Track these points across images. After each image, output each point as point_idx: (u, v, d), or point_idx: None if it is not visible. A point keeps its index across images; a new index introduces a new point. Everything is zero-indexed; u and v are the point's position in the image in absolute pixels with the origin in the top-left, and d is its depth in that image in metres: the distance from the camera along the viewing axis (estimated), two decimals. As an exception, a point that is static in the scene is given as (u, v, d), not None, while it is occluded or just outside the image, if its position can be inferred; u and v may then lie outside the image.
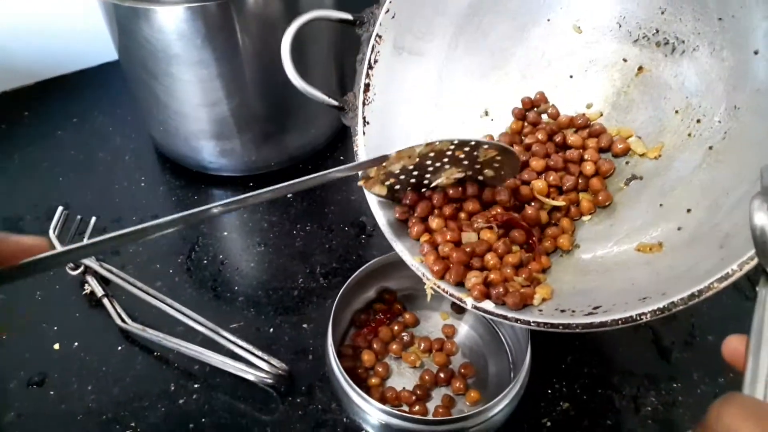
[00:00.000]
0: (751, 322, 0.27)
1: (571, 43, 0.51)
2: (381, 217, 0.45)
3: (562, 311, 0.39)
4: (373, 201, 0.45)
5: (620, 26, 0.49)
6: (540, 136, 0.49)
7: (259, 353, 0.48)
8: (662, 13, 0.47)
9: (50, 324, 0.53)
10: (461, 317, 0.52)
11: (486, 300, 0.40)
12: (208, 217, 0.36)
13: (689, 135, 0.45)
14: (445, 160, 0.42)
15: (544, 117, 0.52)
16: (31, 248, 0.29)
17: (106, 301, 0.53)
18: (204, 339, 0.50)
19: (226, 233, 0.62)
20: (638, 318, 0.35)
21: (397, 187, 0.43)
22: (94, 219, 0.59)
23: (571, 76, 0.52)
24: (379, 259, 0.50)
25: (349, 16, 0.47)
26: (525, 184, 0.48)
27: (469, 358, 0.50)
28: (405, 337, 0.50)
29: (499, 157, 0.42)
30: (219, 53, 0.55)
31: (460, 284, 0.42)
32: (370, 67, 0.47)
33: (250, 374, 0.48)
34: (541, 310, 0.40)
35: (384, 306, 0.52)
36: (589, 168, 0.47)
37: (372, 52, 0.46)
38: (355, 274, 0.49)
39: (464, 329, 0.52)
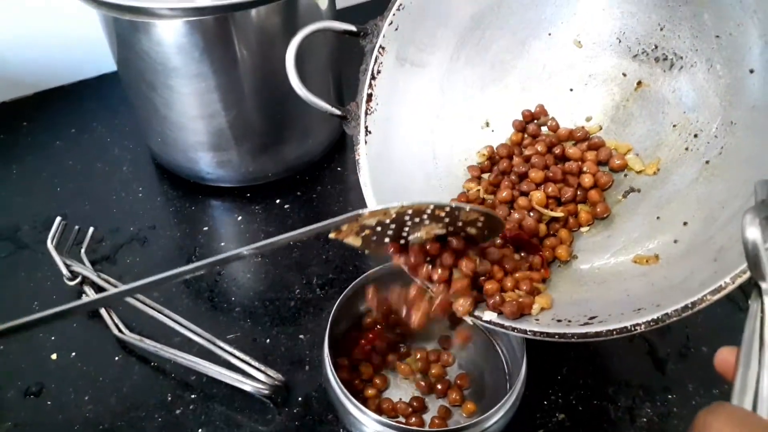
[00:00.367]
0: (743, 334, 0.28)
1: (571, 57, 0.52)
2: None
3: (559, 321, 0.39)
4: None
5: (620, 41, 0.50)
6: (539, 147, 0.50)
7: (256, 364, 0.49)
8: (661, 29, 0.48)
9: (48, 334, 0.53)
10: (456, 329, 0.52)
11: (487, 311, 0.41)
12: (237, 259, 0.37)
13: (686, 149, 0.46)
14: (425, 217, 0.40)
15: (544, 129, 0.53)
16: None
17: (103, 311, 0.53)
18: (201, 349, 0.50)
19: (223, 244, 0.62)
20: (633, 329, 0.36)
21: (374, 238, 0.41)
22: (92, 229, 0.60)
23: (571, 90, 0.53)
24: (376, 269, 0.50)
25: (353, 28, 0.48)
26: (524, 195, 0.48)
27: (465, 369, 0.50)
28: (402, 349, 0.50)
29: (482, 218, 0.40)
30: (217, 66, 0.56)
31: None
32: (373, 77, 0.47)
33: (246, 385, 0.48)
34: (537, 320, 0.40)
35: (381, 317, 0.52)
36: (587, 180, 0.48)
37: (375, 63, 0.47)
38: (351, 285, 0.49)
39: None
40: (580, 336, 0.38)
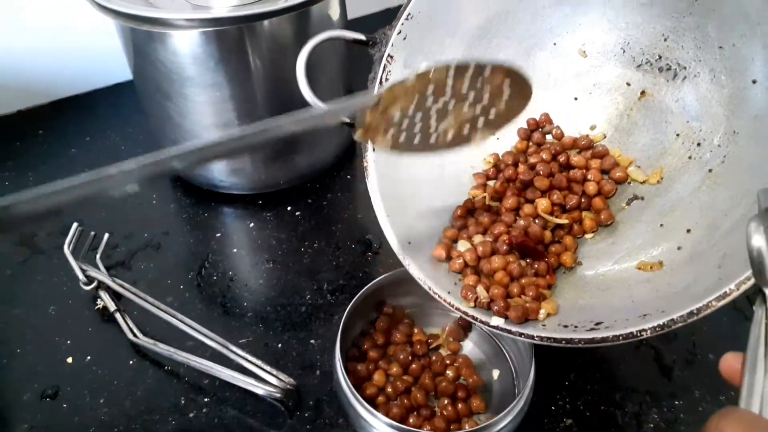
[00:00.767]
0: (748, 340, 0.28)
1: (576, 66, 0.53)
2: (392, 237, 0.46)
3: (565, 326, 0.40)
4: (384, 221, 0.46)
5: (624, 51, 0.51)
6: (544, 155, 0.51)
7: (268, 368, 0.49)
8: (665, 40, 0.48)
9: (63, 338, 0.54)
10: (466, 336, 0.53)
11: (494, 317, 0.42)
12: (169, 168, 0.31)
13: (689, 158, 0.47)
14: (448, 97, 0.37)
15: (549, 137, 0.53)
16: None
17: (118, 315, 0.54)
18: (213, 353, 0.51)
19: (235, 250, 0.63)
20: (638, 334, 0.36)
21: (403, 136, 0.38)
22: (107, 235, 0.61)
23: (575, 98, 0.53)
24: (386, 275, 0.51)
25: (362, 37, 0.48)
26: (529, 202, 0.49)
27: (474, 373, 0.51)
28: (412, 354, 0.51)
29: (507, 82, 0.37)
30: (231, 75, 0.57)
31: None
32: (381, 85, 0.48)
33: (258, 388, 0.48)
34: (544, 325, 0.41)
35: (392, 323, 0.53)
36: (591, 188, 0.49)
37: (383, 71, 0.48)
38: (362, 291, 0.50)
39: (469, 346, 0.53)
40: (586, 341, 0.38)
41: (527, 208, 0.48)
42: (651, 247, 0.45)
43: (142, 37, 0.57)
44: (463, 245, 0.47)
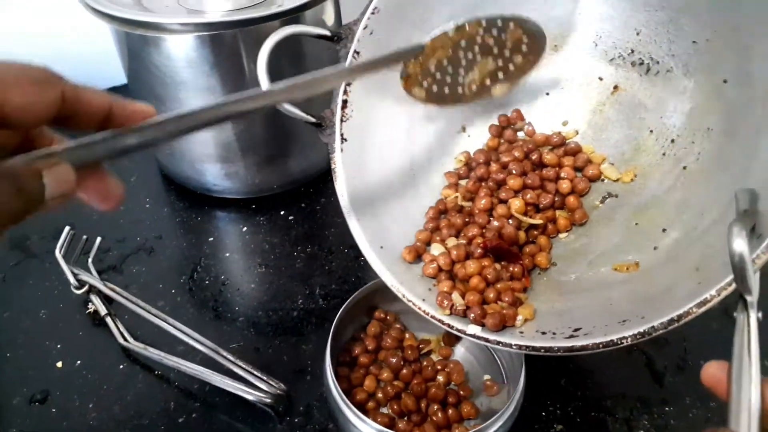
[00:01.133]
0: (732, 349, 0.28)
1: (547, 60, 0.51)
2: (364, 242, 0.45)
3: (543, 333, 0.40)
4: (355, 225, 0.46)
5: (596, 45, 0.50)
6: (517, 153, 0.50)
7: (258, 373, 0.49)
8: (638, 34, 0.48)
9: (53, 342, 0.54)
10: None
11: (471, 325, 0.41)
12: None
13: (663, 154, 0.46)
14: (476, 49, 0.41)
15: (521, 134, 0.53)
16: (146, 111, 0.28)
17: (109, 320, 0.54)
18: (204, 358, 0.51)
19: (227, 254, 0.63)
20: (619, 342, 0.36)
21: (435, 88, 0.42)
22: (99, 239, 0.61)
23: (547, 94, 0.53)
24: (378, 280, 0.51)
25: (327, 32, 0.46)
26: (502, 202, 0.48)
27: (464, 379, 0.50)
28: (403, 359, 0.51)
29: (525, 39, 0.41)
30: (226, 80, 0.57)
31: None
32: (348, 83, 0.47)
33: (249, 394, 0.48)
34: (522, 332, 0.40)
35: (383, 328, 0.53)
36: (565, 186, 0.48)
37: None
38: (353, 296, 0.50)
39: (460, 351, 0.53)
40: (566, 350, 0.37)
41: (501, 209, 0.47)
42: (627, 246, 0.44)
43: (137, 41, 0.57)
44: (436, 249, 0.46)
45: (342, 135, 0.47)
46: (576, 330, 0.38)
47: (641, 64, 0.48)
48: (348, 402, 0.43)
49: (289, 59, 0.58)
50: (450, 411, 0.47)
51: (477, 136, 0.54)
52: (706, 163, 0.43)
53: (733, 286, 0.32)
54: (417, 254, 0.47)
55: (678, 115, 0.46)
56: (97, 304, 0.55)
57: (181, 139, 0.54)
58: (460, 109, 0.53)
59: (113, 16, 0.53)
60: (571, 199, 0.48)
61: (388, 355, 0.50)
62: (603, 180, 0.49)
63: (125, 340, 0.53)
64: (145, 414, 0.49)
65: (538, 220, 0.47)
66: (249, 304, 0.58)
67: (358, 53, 0.46)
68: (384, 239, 0.46)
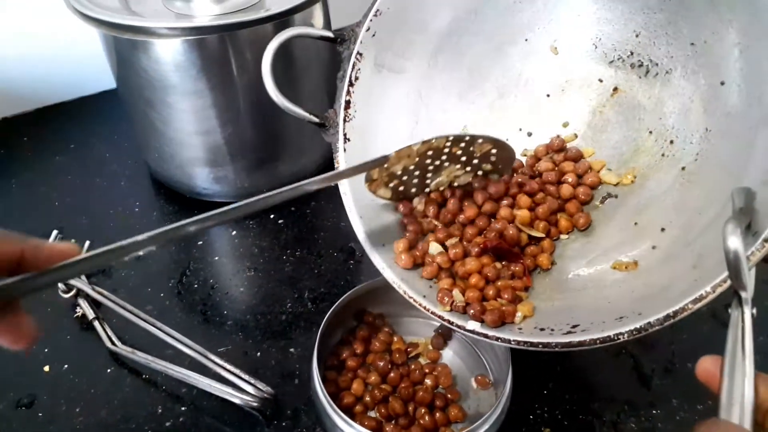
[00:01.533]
0: (725, 344, 0.28)
1: (548, 62, 0.52)
2: (365, 239, 0.46)
3: (542, 330, 0.40)
4: (359, 228, 0.46)
5: (596, 47, 0.51)
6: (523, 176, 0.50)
7: (246, 377, 0.49)
8: (637, 36, 0.48)
9: (41, 346, 0.54)
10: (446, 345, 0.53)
11: (470, 321, 0.42)
12: (185, 234, 0.33)
13: (663, 155, 0.47)
14: (444, 158, 0.43)
15: (522, 159, 0.53)
16: (65, 252, 0.28)
17: (97, 323, 0.54)
18: (192, 362, 0.51)
19: (216, 258, 0.63)
20: (615, 338, 0.36)
21: (401, 188, 0.45)
22: (87, 243, 0.61)
23: (548, 95, 0.53)
24: (367, 284, 0.51)
25: (330, 34, 0.47)
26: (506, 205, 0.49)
27: (452, 382, 0.51)
28: (391, 362, 0.51)
29: (494, 151, 0.44)
30: (214, 83, 0.57)
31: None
32: (351, 84, 0.47)
33: (236, 398, 0.48)
34: (520, 329, 0.41)
35: (371, 331, 0.53)
36: (566, 191, 0.49)
37: (353, 69, 0.47)
38: (341, 299, 0.50)
39: (449, 354, 0.53)
40: (563, 345, 0.38)
41: (504, 212, 0.48)
42: (626, 246, 0.45)
43: (125, 45, 0.57)
44: (434, 248, 0.47)
45: (345, 135, 0.47)
46: (574, 326, 0.39)
47: (640, 66, 0.48)
48: (335, 406, 0.43)
49: (282, 63, 0.58)
50: (437, 414, 0.47)
51: None
52: (705, 163, 0.44)
53: (728, 282, 0.33)
54: (414, 262, 0.47)
55: (677, 117, 0.46)
56: (84, 308, 0.55)
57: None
58: (461, 109, 0.54)
59: (101, 20, 0.53)
60: (572, 205, 0.48)
61: (376, 359, 0.50)
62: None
63: (113, 344, 0.53)
64: (133, 418, 0.49)
65: (540, 234, 0.47)
66: (237, 307, 0.58)
67: (361, 54, 0.47)
68: (386, 237, 0.47)
